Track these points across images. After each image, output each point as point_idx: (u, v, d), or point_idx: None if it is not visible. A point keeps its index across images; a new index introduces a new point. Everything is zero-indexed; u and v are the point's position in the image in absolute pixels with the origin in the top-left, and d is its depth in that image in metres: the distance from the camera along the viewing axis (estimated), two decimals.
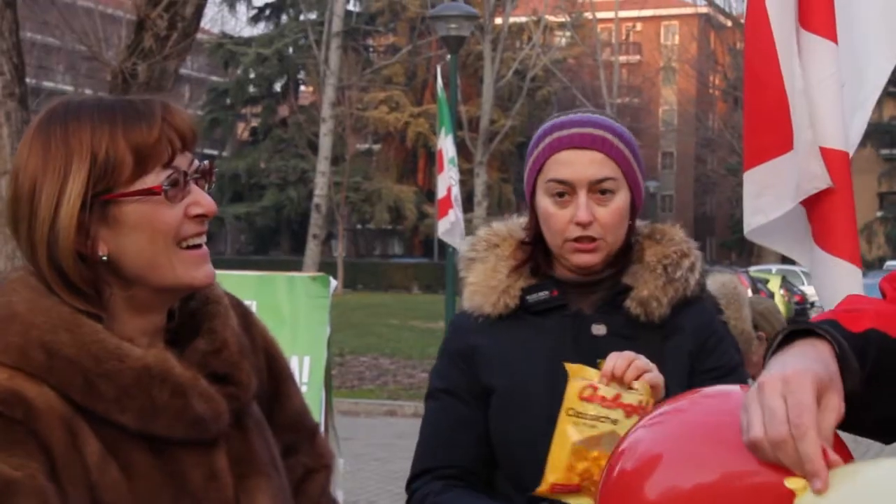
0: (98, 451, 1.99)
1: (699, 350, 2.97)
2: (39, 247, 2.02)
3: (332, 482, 2.51)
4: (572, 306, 2.95)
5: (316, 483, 2.42)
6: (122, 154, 2.01)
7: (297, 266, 32.12)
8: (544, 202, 2.94)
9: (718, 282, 4.61)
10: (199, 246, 2.10)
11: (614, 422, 2.51)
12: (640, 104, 72.16)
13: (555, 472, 2.54)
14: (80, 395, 1.98)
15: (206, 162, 2.15)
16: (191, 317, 2.19)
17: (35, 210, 2.01)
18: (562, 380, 2.64)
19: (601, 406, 2.53)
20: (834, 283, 3.94)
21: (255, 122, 64.90)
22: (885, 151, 63.51)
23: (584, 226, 2.87)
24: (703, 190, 77.95)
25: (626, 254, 3.00)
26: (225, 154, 61.52)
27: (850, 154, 4.06)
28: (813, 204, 4.02)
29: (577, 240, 2.89)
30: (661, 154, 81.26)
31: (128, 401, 2.01)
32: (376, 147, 63.63)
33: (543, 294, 2.95)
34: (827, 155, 3.95)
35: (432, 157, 42.34)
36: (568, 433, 2.54)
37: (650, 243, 3.02)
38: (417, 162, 62.63)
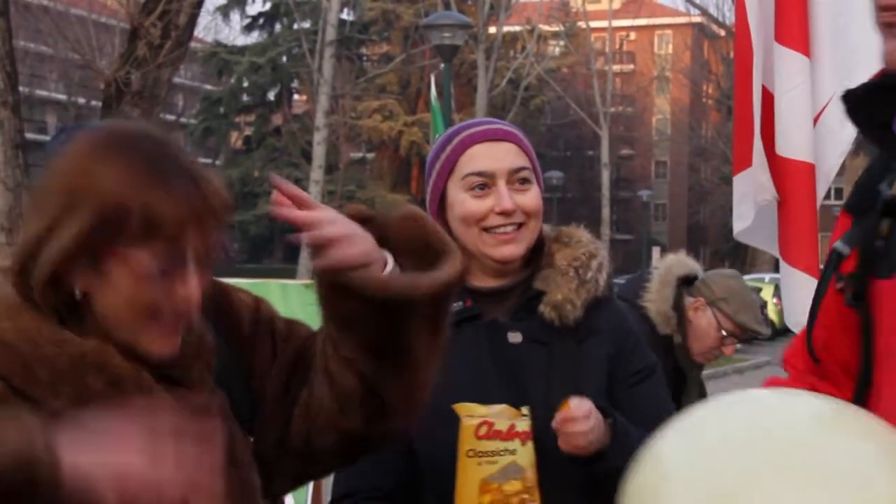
0: None
1: (618, 352, 2.95)
2: (18, 263, 2.05)
3: None
4: (487, 315, 2.92)
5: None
6: (136, 212, 1.98)
7: (290, 274, 32.10)
8: (460, 198, 2.90)
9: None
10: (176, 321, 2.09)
11: (513, 452, 2.51)
12: (634, 113, 72.35)
13: None
14: (19, 378, 2.01)
15: (227, 244, 2.13)
16: None
17: (33, 229, 2.03)
18: (488, 390, 2.69)
19: (499, 440, 2.52)
20: (794, 294, 4.02)
21: (248, 131, 64.84)
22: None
23: (507, 214, 2.86)
24: (697, 199, 77.83)
25: (536, 258, 2.98)
26: (218, 163, 61.39)
27: (833, 169, 4.10)
28: (779, 215, 4.09)
29: (498, 229, 2.87)
30: (655, 163, 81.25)
31: (62, 385, 2.03)
32: (370, 156, 63.58)
33: (457, 305, 2.76)
34: (791, 166, 4.03)
35: (426, 165, 41.91)
36: (471, 474, 2.52)
37: (558, 246, 2.98)
38: (411, 170, 62.60)
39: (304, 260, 32.02)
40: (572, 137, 64.23)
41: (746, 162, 4.14)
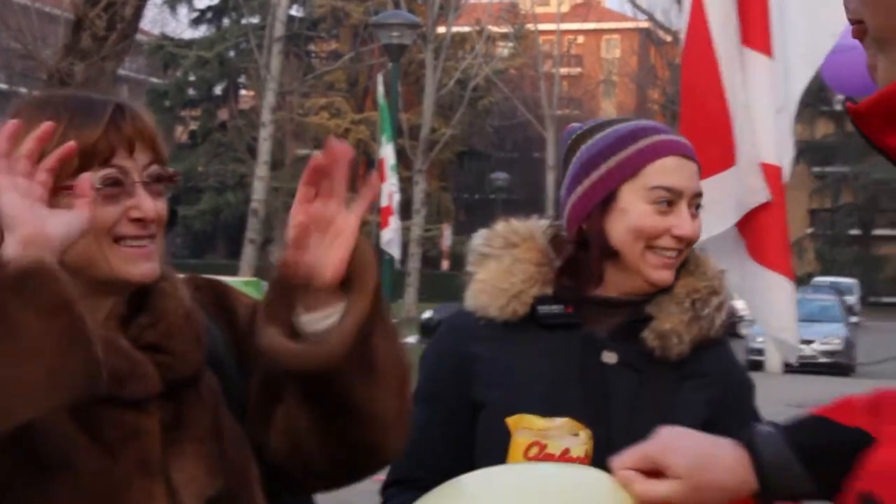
0: None
1: (723, 399, 2.72)
2: None
3: None
4: (585, 326, 2.71)
5: None
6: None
7: (233, 270, 31.95)
8: (641, 209, 2.66)
9: None
10: (139, 245, 2.12)
11: None
12: (581, 116, 71.84)
13: None
14: None
15: (165, 169, 2.19)
16: (144, 297, 2.20)
17: None
18: (564, 405, 2.53)
19: (549, 462, 2.42)
20: (767, 295, 3.99)
21: (193, 126, 64.41)
22: (816, 169, 63.93)
23: (680, 240, 2.67)
24: None
25: None
26: (171, 170, 60.89)
27: (787, 172, 4.12)
28: (747, 218, 4.06)
29: (666, 252, 2.67)
30: None
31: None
32: (316, 153, 63.05)
33: (557, 308, 2.69)
34: (768, 169, 4.03)
35: (372, 164, 42.00)
36: None
37: (683, 273, 2.75)
38: (358, 168, 62.42)
39: (247, 256, 31.91)
40: (519, 139, 64.27)
41: (719, 165, 4.05)
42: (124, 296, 2.19)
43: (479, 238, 2.82)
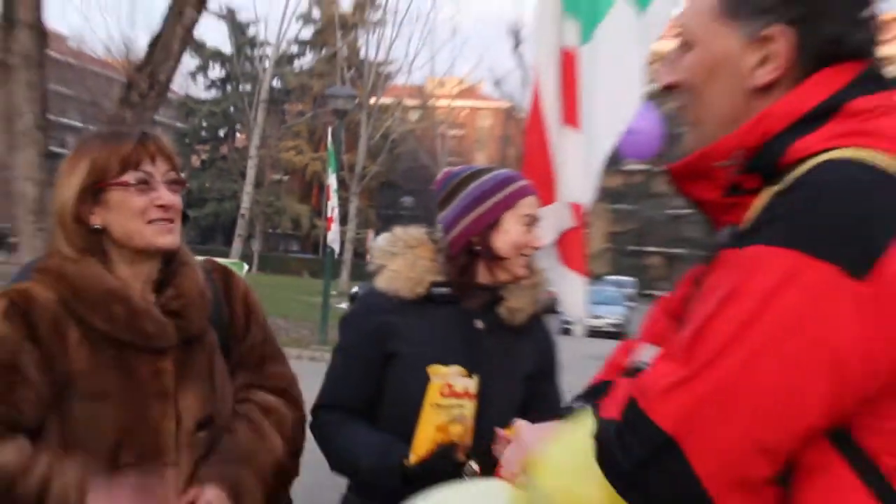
0: (77, 337, 2.09)
1: (541, 354, 2.80)
2: (56, 218, 2.16)
3: (289, 401, 2.45)
4: (464, 304, 2.70)
5: (255, 395, 2.38)
6: (109, 160, 2.12)
7: (226, 254, 31.77)
8: (517, 229, 2.67)
9: None
10: (165, 222, 2.16)
11: (461, 406, 2.42)
12: (462, 163, 72.01)
13: (423, 446, 2.41)
14: (71, 301, 2.09)
15: (178, 174, 2.22)
16: (172, 274, 2.24)
17: (58, 195, 2.16)
18: (450, 354, 2.52)
19: (454, 398, 2.42)
20: (572, 287, 4.00)
21: (204, 156, 63.49)
22: (612, 206, 65.19)
23: (537, 248, 2.71)
24: None
25: None
26: (182, 175, 60.11)
27: (588, 205, 4.10)
28: (563, 237, 4.04)
29: (525, 258, 2.69)
30: None
31: (97, 309, 2.09)
32: (286, 178, 62.78)
33: (446, 290, 2.68)
34: (572, 207, 4.00)
35: (322, 187, 41.93)
36: (433, 420, 2.41)
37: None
38: (312, 190, 62.02)
39: (236, 245, 31.64)
40: (421, 176, 64.19)
41: (546, 202, 4.01)
42: (157, 264, 2.21)
43: (383, 240, 2.79)
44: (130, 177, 2.13)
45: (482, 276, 2.72)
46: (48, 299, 2.08)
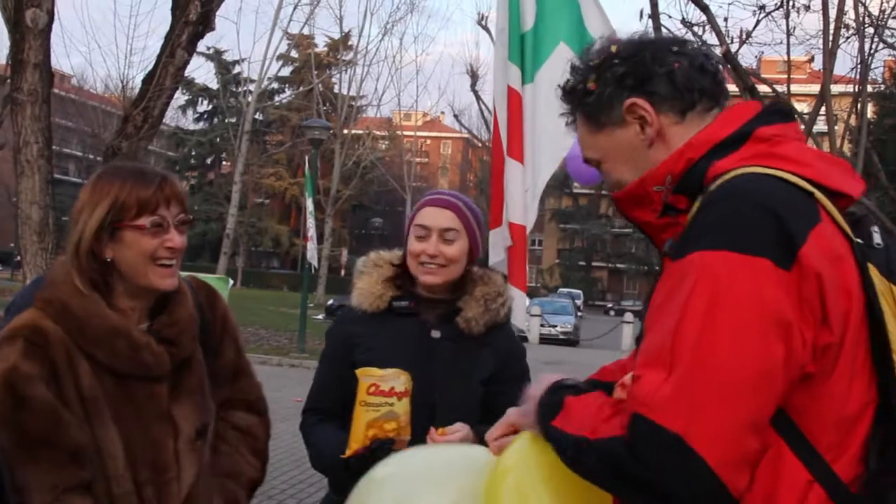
0: (87, 370, 2.04)
1: (501, 361, 2.70)
2: (72, 248, 2.09)
3: (257, 414, 2.45)
4: (422, 315, 2.68)
5: (234, 416, 2.40)
6: (130, 201, 2.08)
7: (212, 270, 31.46)
8: (411, 240, 2.68)
9: None
10: (168, 266, 2.13)
11: (391, 404, 2.37)
12: (427, 188, 72.08)
13: (356, 443, 2.39)
14: (76, 335, 2.05)
15: (189, 217, 2.20)
16: (165, 300, 2.21)
17: (76, 225, 2.09)
18: (404, 362, 2.45)
19: (381, 396, 2.38)
20: (519, 304, 3.99)
21: (193, 182, 63.08)
22: (562, 225, 65.44)
23: (431, 256, 2.65)
24: None
25: (462, 286, 2.71)
26: (190, 216, 59.76)
27: (529, 227, 4.15)
28: (508, 255, 4.09)
29: (424, 265, 2.65)
30: None
31: (101, 344, 2.06)
32: (267, 201, 62.50)
33: (404, 303, 2.68)
34: (515, 227, 4.06)
35: (300, 210, 41.73)
36: (363, 417, 2.38)
37: (480, 283, 2.72)
38: (291, 212, 61.77)
39: (221, 262, 31.36)
40: (390, 199, 64.20)
41: (497, 223, 4.12)
42: (155, 296, 2.18)
43: (359, 262, 2.80)
44: (146, 220, 2.09)
45: (427, 289, 2.71)
46: (58, 333, 2.03)
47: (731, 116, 1.62)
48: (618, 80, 1.66)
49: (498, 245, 4.14)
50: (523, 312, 4.14)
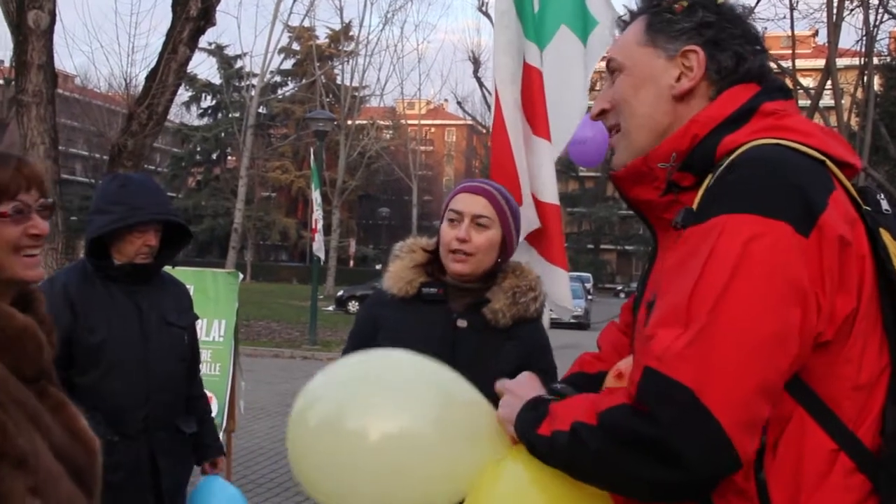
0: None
1: (528, 355, 2.66)
2: None
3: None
4: (450, 304, 2.69)
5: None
6: None
7: (221, 265, 31.56)
8: (444, 227, 2.68)
9: None
10: (34, 255, 1.91)
11: None
12: (432, 176, 72.50)
13: None
14: None
15: (49, 200, 1.96)
16: (29, 299, 1.96)
17: None
18: (426, 349, 2.32)
19: None
20: (555, 280, 3.94)
21: (199, 177, 63.15)
22: (568, 209, 65.46)
23: (461, 241, 2.64)
24: None
25: (492, 277, 2.72)
26: (180, 196, 59.77)
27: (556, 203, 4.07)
28: (542, 234, 4.00)
29: (454, 252, 2.65)
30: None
31: (10, 347, 1.83)
32: (273, 194, 62.57)
33: (433, 290, 2.68)
34: (549, 207, 3.99)
35: (307, 202, 42.03)
36: None
37: (510, 276, 2.73)
38: (298, 204, 61.84)
39: (230, 257, 31.43)
40: (396, 189, 64.18)
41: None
42: (16, 291, 1.94)
43: (396, 247, 2.82)
44: (7, 207, 1.86)
45: (456, 278, 2.70)
46: None
47: (733, 95, 1.63)
48: (701, 24, 1.65)
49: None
50: (567, 291, 4.06)
